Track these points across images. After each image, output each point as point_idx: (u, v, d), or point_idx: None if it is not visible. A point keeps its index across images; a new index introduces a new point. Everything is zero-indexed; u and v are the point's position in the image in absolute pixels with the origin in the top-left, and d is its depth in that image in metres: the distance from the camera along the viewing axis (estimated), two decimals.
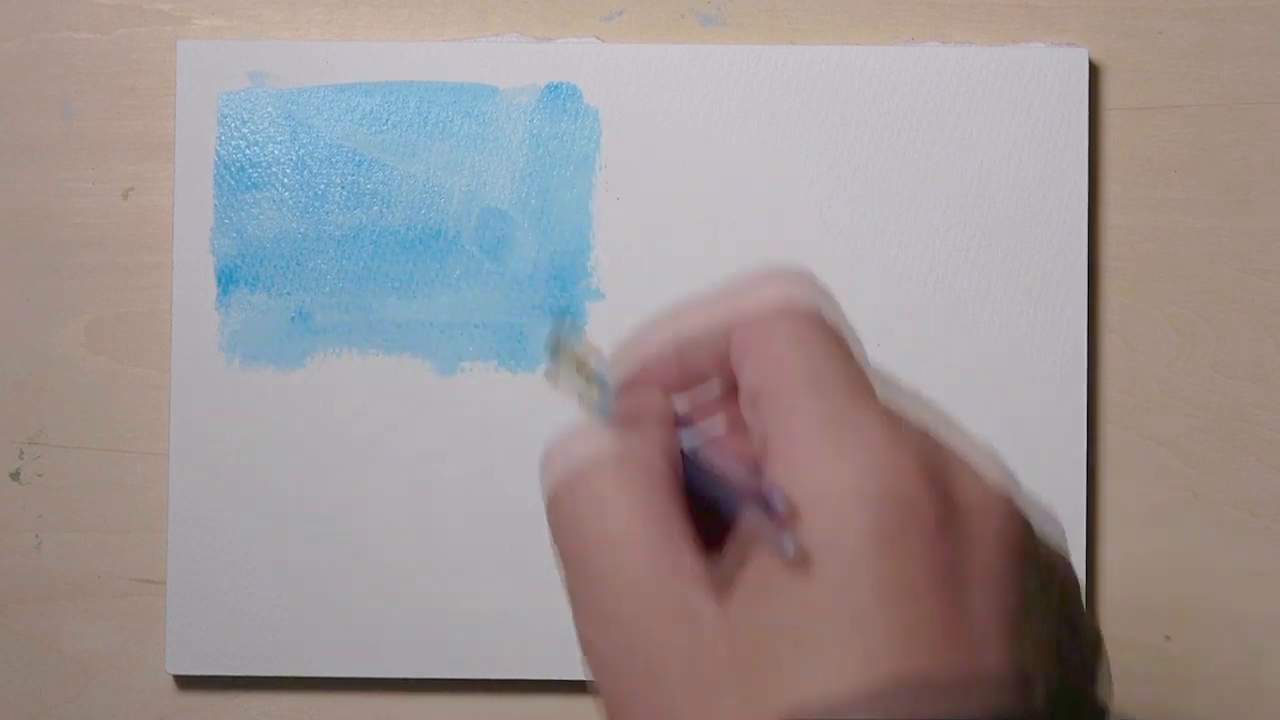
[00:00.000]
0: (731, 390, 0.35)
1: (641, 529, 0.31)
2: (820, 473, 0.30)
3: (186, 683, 0.54)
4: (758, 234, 0.53)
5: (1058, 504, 0.54)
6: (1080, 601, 0.34)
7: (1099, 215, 0.55)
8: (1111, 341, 0.55)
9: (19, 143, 0.55)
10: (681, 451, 0.34)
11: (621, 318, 0.53)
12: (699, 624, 0.31)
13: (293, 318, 0.53)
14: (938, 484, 0.30)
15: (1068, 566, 0.35)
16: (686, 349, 0.34)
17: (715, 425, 0.35)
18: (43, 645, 0.54)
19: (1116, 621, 0.55)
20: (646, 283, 0.53)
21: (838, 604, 0.29)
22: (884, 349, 0.54)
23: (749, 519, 0.31)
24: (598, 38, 0.54)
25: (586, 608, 0.32)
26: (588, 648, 0.32)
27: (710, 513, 0.33)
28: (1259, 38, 0.55)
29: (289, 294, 0.53)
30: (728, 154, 0.54)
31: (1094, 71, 0.54)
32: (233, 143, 0.54)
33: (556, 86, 0.54)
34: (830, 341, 0.33)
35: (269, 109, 0.53)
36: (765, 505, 0.30)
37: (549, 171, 0.54)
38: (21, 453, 0.55)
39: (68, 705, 0.54)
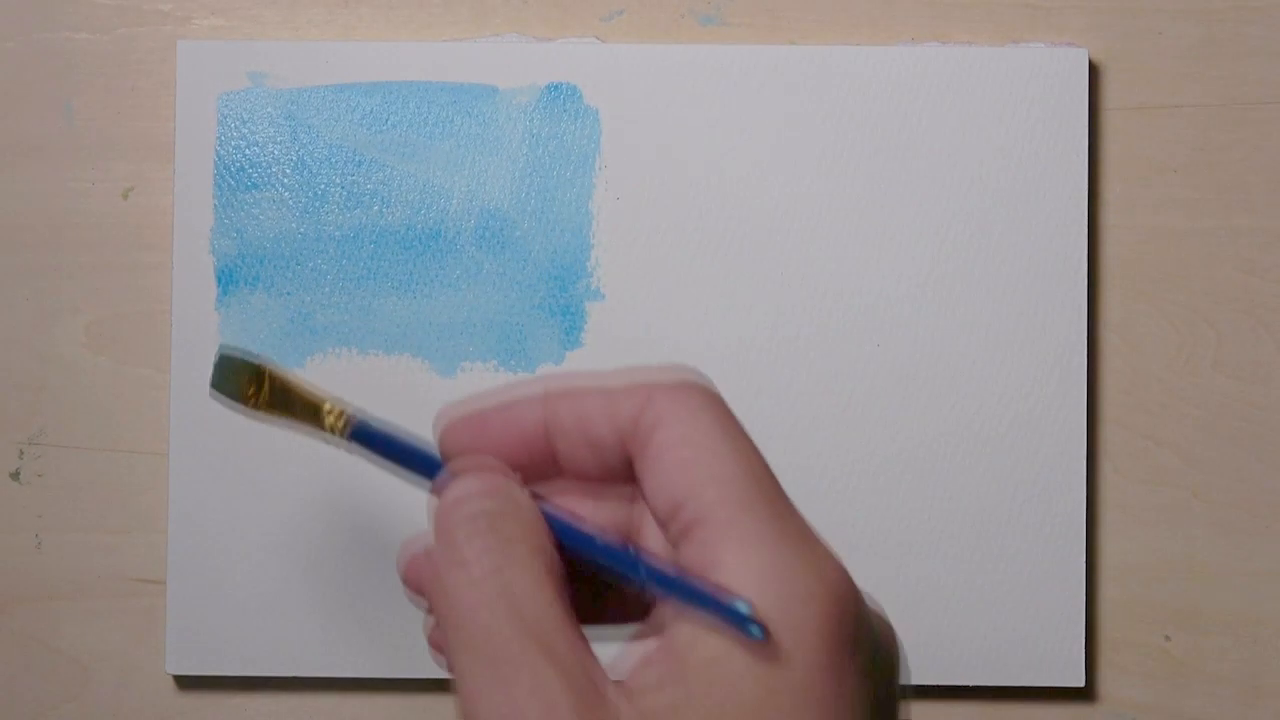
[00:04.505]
0: (581, 478, 0.33)
1: (546, 592, 0.30)
2: (768, 569, 0.29)
3: (186, 683, 0.54)
4: (758, 234, 0.53)
5: (1058, 504, 0.54)
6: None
7: (1099, 215, 0.55)
8: (1111, 341, 0.55)
9: (19, 143, 0.55)
10: (554, 527, 0.32)
11: (621, 318, 0.53)
12: (604, 697, 0.29)
13: (293, 318, 0.53)
14: (859, 595, 0.31)
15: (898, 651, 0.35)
16: (563, 412, 0.33)
17: (565, 498, 0.34)
18: (43, 645, 0.54)
19: (1116, 621, 0.55)
20: (646, 283, 0.53)
21: (796, 708, 0.29)
22: (884, 349, 0.54)
23: (680, 611, 0.30)
24: (598, 38, 0.54)
25: (481, 688, 0.30)
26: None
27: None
28: (1259, 38, 0.55)
29: (289, 294, 0.53)
30: (727, 154, 0.54)
31: (1094, 71, 0.54)
32: (233, 143, 0.54)
33: (556, 86, 0.54)
34: (742, 428, 0.32)
35: (269, 109, 0.53)
36: (721, 601, 0.29)
37: (549, 171, 0.54)
38: (21, 453, 0.55)
39: (68, 705, 0.54)
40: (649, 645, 0.31)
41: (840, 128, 0.54)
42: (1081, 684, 0.54)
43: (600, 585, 0.33)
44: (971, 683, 0.53)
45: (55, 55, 0.55)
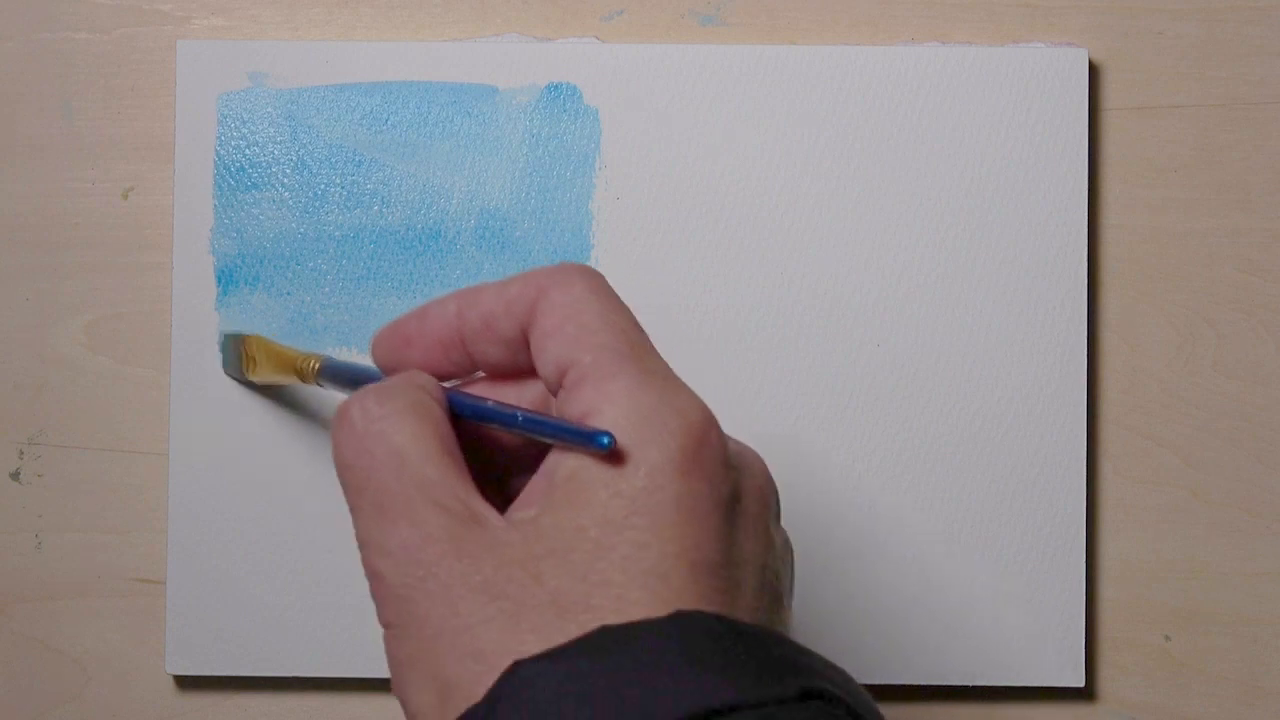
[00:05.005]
0: (499, 376, 0.38)
1: (424, 442, 0.34)
2: (629, 401, 0.33)
3: (186, 683, 0.54)
4: (758, 234, 0.53)
5: (1058, 504, 0.54)
6: (793, 579, 0.38)
7: (1099, 215, 0.55)
8: (1111, 341, 0.55)
9: (19, 143, 0.55)
10: (451, 400, 0.37)
11: None
12: (488, 526, 0.33)
13: (293, 318, 0.53)
14: (721, 431, 0.34)
15: (789, 542, 0.38)
16: (471, 316, 0.37)
17: (478, 389, 0.38)
18: (43, 645, 0.54)
19: (1116, 621, 0.55)
20: (646, 283, 0.53)
21: (640, 511, 0.32)
22: (883, 348, 0.54)
23: (555, 445, 0.34)
24: (598, 38, 0.54)
25: (374, 535, 0.34)
26: (379, 584, 0.34)
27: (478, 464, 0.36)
28: (1259, 38, 0.55)
29: (289, 294, 0.53)
30: (728, 154, 0.54)
31: (1094, 71, 0.54)
32: (233, 143, 0.54)
33: (556, 86, 0.54)
34: (618, 298, 0.36)
35: (269, 109, 0.53)
36: (573, 428, 0.33)
37: (549, 171, 0.54)
38: (21, 453, 0.55)
39: (68, 705, 0.54)
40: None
41: (840, 128, 0.54)
42: (1081, 684, 0.54)
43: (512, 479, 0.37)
44: (971, 683, 0.53)
45: (55, 55, 0.55)
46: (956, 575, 0.53)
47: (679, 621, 0.31)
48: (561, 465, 0.34)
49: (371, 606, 0.53)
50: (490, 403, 0.36)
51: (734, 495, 0.34)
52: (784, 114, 0.54)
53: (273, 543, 0.53)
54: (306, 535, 0.53)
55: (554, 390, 0.36)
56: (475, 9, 0.55)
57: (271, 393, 0.53)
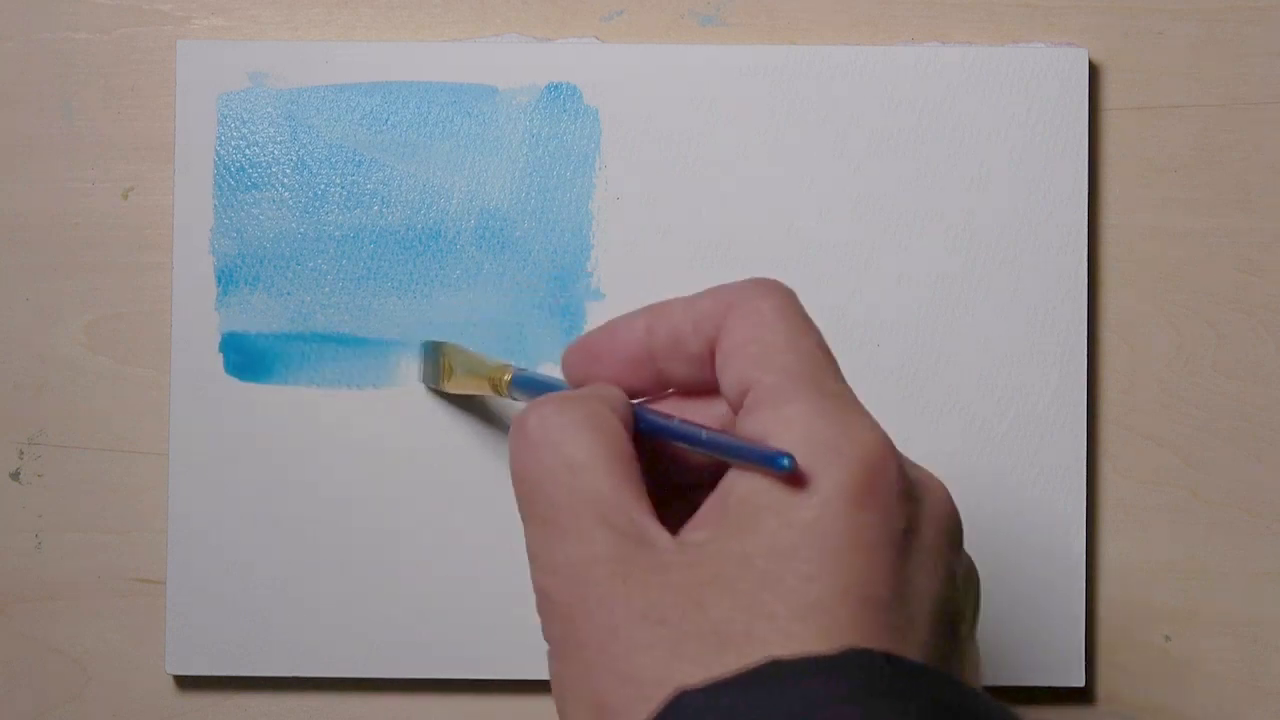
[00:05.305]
0: (689, 392, 0.37)
1: (599, 456, 0.34)
2: (804, 427, 0.33)
3: (186, 683, 0.54)
4: (758, 234, 0.53)
5: (1058, 504, 0.54)
6: (978, 610, 0.38)
7: (1099, 215, 0.55)
8: (1111, 341, 0.55)
9: (19, 143, 0.55)
10: (636, 414, 0.36)
11: None
12: (656, 549, 0.33)
13: (293, 318, 0.53)
14: (901, 462, 0.33)
15: (975, 571, 0.38)
16: (660, 331, 0.37)
17: (666, 405, 0.38)
18: (43, 645, 0.54)
19: (1116, 621, 0.55)
20: (646, 283, 0.53)
21: (809, 542, 0.31)
22: (883, 349, 0.54)
23: (733, 465, 0.33)
24: (598, 38, 0.54)
25: (542, 550, 0.34)
26: (545, 601, 0.34)
27: (660, 482, 0.36)
28: (1259, 38, 0.55)
29: (289, 294, 0.53)
30: (728, 154, 0.54)
31: (1094, 71, 0.54)
32: (233, 143, 0.54)
33: (556, 86, 0.54)
34: (807, 317, 0.36)
35: (269, 109, 0.53)
36: (752, 448, 0.33)
37: (549, 171, 0.54)
38: (21, 453, 0.55)
39: (68, 705, 0.54)
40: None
41: (840, 128, 0.54)
42: (1081, 684, 0.54)
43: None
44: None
45: (55, 55, 0.55)
46: None
47: (849, 659, 0.30)
48: (736, 486, 0.33)
49: (374, 608, 0.53)
50: (676, 420, 0.36)
51: (909, 527, 0.33)
52: (784, 114, 0.54)
53: (273, 543, 0.53)
54: (306, 535, 0.53)
55: (735, 410, 0.35)
56: (475, 9, 0.55)
57: (270, 392, 0.53)
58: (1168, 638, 0.55)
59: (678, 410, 0.37)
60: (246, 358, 0.53)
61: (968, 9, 0.55)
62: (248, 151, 0.54)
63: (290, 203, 0.53)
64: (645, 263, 0.53)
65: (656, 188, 0.53)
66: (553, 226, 0.53)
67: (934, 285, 0.53)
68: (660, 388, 0.38)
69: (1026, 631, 0.53)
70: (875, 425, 0.33)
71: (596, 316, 0.53)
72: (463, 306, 0.53)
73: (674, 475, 0.37)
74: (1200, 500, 0.55)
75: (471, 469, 0.53)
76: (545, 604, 0.33)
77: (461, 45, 0.54)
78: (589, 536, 0.33)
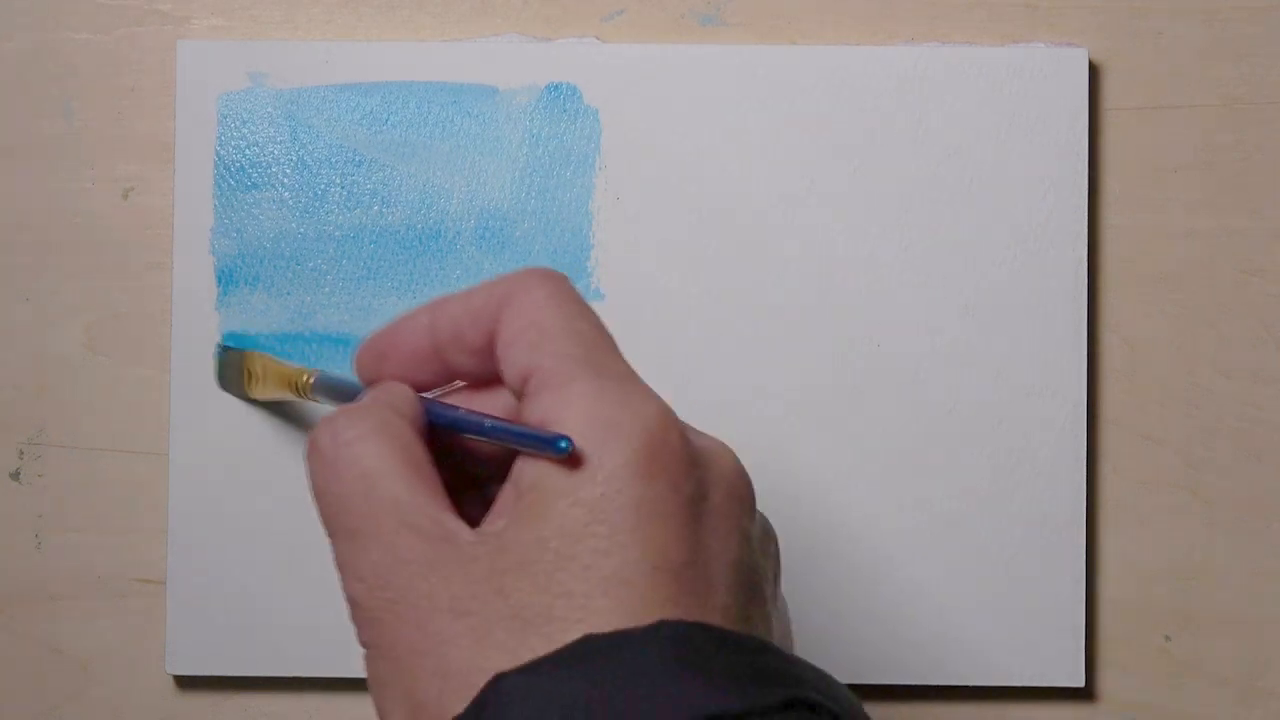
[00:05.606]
0: (477, 385, 0.38)
1: (392, 462, 0.34)
2: (584, 407, 0.33)
3: (186, 683, 0.54)
4: (757, 234, 0.53)
5: (1058, 504, 0.54)
6: (779, 568, 0.38)
7: (1099, 215, 0.55)
8: (1111, 341, 0.55)
9: (19, 143, 0.55)
10: (425, 410, 0.37)
11: (621, 318, 0.53)
12: (457, 544, 0.33)
13: (293, 318, 0.53)
14: (684, 431, 0.34)
15: (771, 529, 0.38)
16: (441, 326, 0.37)
17: (455, 398, 0.38)
18: (43, 645, 0.54)
19: (1116, 621, 0.55)
20: (646, 283, 0.53)
21: (599, 518, 0.32)
22: (883, 348, 0.54)
23: (520, 452, 0.34)
24: (598, 38, 0.54)
25: (348, 560, 0.34)
26: (356, 608, 0.34)
27: (455, 473, 0.36)
28: (1259, 38, 0.55)
29: (289, 294, 0.53)
30: (728, 154, 0.54)
31: (1094, 71, 0.54)
32: (233, 143, 0.54)
33: (556, 86, 0.54)
34: (582, 301, 0.36)
35: (269, 109, 0.53)
36: (532, 433, 0.33)
37: (549, 171, 0.54)
38: (21, 453, 0.55)
39: (68, 705, 0.54)
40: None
41: (840, 128, 0.54)
42: (1081, 684, 0.54)
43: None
44: (971, 683, 0.53)
45: (55, 55, 0.55)
46: (956, 575, 0.53)
47: (662, 630, 0.31)
48: (525, 474, 0.34)
49: None
50: (461, 410, 0.36)
51: (699, 494, 0.34)
52: (784, 114, 0.54)
53: (273, 542, 0.53)
54: (306, 535, 0.53)
55: (519, 397, 0.35)
56: (475, 9, 0.55)
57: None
58: (1168, 638, 0.55)
59: (466, 402, 0.37)
60: None
61: (968, 9, 0.55)
62: (248, 151, 0.54)
63: (290, 203, 0.53)
64: (645, 263, 0.53)
65: (656, 187, 0.53)
66: (553, 226, 0.53)
67: (934, 285, 0.53)
68: (449, 380, 0.38)
69: (1027, 631, 0.53)
70: (655, 398, 0.34)
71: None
72: None
73: (472, 467, 0.37)
74: (1200, 500, 0.55)
75: None
76: (356, 611, 0.34)
77: (461, 45, 0.54)
78: (392, 541, 0.33)
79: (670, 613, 0.32)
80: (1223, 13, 0.55)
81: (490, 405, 0.37)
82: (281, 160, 0.53)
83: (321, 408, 0.53)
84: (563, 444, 0.32)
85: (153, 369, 0.54)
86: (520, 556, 0.32)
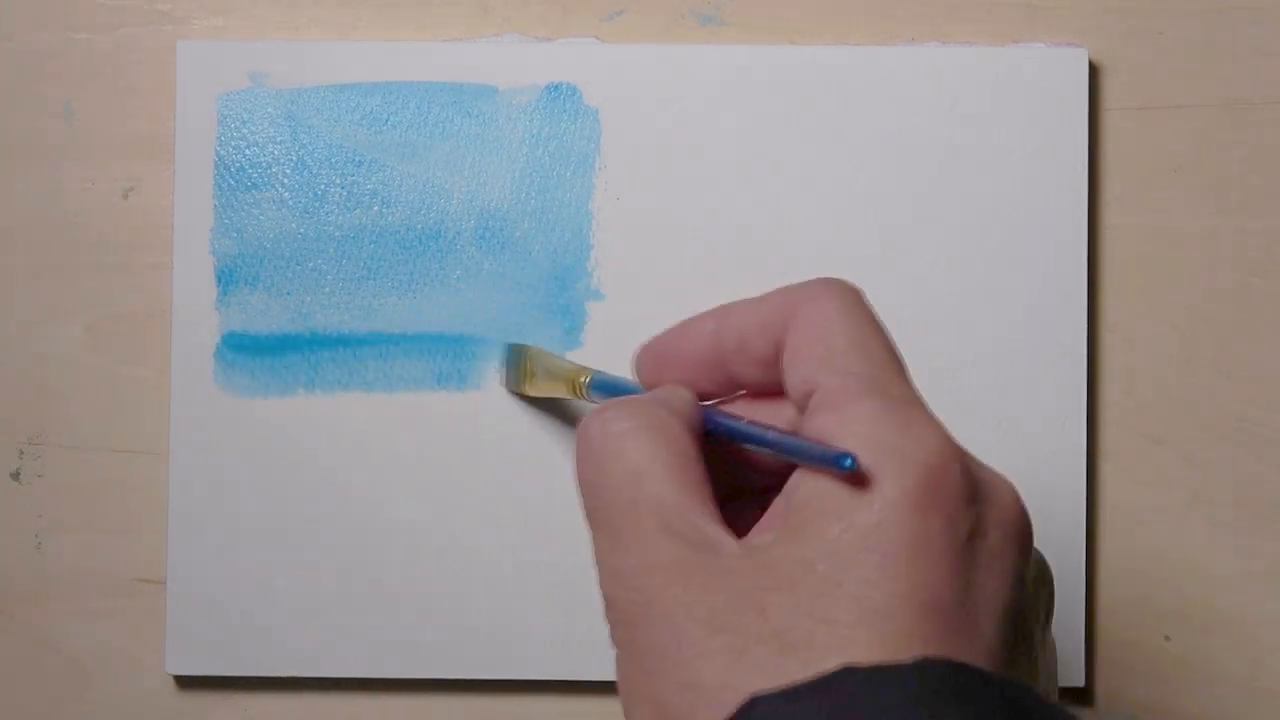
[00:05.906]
0: (759, 394, 0.37)
1: (661, 461, 0.33)
2: (867, 430, 0.32)
3: (186, 683, 0.54)
4: (757, 234, 0.53)
5: (1058, 504, 0.54)
6: (1052, 608, 0.37)
7: (1099, 215, 0.55)
8: (1111, 341, 0.55)
9: (19, 143, 0.55)
10: (706, 416, 0.36)
11: (621, 318, 0.53)
12: (718, 554, 0.32)
13: (293, 318, 0.53)
14: (966, 464, 0.33)
15: (1048, 570, 0.38)
16: (727, 334, 0.36)
17: (736, 407, 0.37)
18: (43, 645, 0.54)
19: (1116, 621, 0.55)
20: (646, 283, 0.53)
21: (871, 547, 0.31)
22: None
23: (799, 465, 0.33)
24: (598, 38, 0.54)
25: (606, 557, 0.33)
26: (609, 607, 0.33)
27: (729, 484, 0.35)
28: (1259, 38, 0.55)
29: (289, 294, 0.53)
30: (728, 154, 0.54)
31: (1094, 71, 0.54)
32: (233, 143, 0.54)
33: (556, 86, 0.54)
34: (873, 316, 0.35)
35: (269, 109, 0.53)
36: (815, 448, 0.32)
37: (549, 171, 0.54)
38: (21, 453, 0.55)
39: (68, 705, 0.54)
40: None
41: (840, 128, 0.54)
42: (1081, 684, 0.54)
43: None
44: None
45: (55, 55, 0.55)
46: None
47: (924, 668, 0.30)
48: (800, 488, 0.33)
49: (374, 608, 0.53)
50: (743, 421, 0.35)
51: (975, 531, 0.32)
52: (784, 114, 0.54)
53: (273, 543, 0.53)
54: (306, 535, 0.53)
55: (801, 412, 0.35)
56: (475, 9, 0.55)
57: (271, 395, 0.53)
58: (1168, 638, 0.55)
59: (748, 412, 0.36)
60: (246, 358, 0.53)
61: (968, 9, 0.55)
62: (248, 151, 0.54)
63: (290, 203, 0.53)
64: (645, 263, 0.53)
65: (656, 188, 0.53)
66: (553, 226, 0.53)
67: (934, 285, 0.53)
68: (732, 389, 0.37)
69: None
70: (938, 426, 0.33)
71: (596, 316, 0.53)
72: (463, 306, 0.53)
73: (747, 478, 0.36)
74: (1200, 500, 0.55)
75: (470, 469, 0.53)
76: (610, 610, 0.33)
77: (461, 45, 0.54)
78: (651, 544, 0.32)
79: (932, 651, 0.31)
80: (1223, 13, 0.55)
81: (771, 417, 0.36)
82: (281, 160, 0.53)
83: (316, 401, 0.53)
84: (848, 461, 0.31)
85: (153, 369, 0.54)
86: (785, 576, 0.31)
